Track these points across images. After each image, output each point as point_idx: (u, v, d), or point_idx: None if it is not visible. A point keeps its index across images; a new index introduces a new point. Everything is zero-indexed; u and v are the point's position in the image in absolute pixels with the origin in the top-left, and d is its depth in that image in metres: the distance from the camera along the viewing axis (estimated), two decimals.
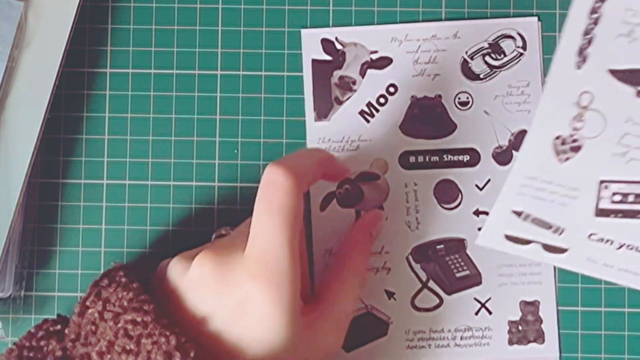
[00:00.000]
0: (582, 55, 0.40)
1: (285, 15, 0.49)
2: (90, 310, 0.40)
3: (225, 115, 0.49)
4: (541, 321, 0.48)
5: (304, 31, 0.48)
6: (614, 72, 0.41)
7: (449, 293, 0.48)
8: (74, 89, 0.49)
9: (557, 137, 0.43)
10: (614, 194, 0.44)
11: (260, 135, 0.49)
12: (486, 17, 0.46)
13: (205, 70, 0.49)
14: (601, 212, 0.44)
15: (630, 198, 0.44)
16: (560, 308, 0.48)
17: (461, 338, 0.48)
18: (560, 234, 0.44)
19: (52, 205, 0.49)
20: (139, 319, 0.38)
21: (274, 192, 0.37)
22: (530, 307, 0.48)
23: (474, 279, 0.48)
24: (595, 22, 0.40)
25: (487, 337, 0.48)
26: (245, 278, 0.38)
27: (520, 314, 0.48)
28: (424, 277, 0.48)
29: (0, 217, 0.46)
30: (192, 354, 0.37)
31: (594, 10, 0.40)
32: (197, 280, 0.39)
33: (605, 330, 0.48)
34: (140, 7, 0.49)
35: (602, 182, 0.44)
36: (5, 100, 0.47)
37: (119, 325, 0.39)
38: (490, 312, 0.48)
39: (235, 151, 0.48)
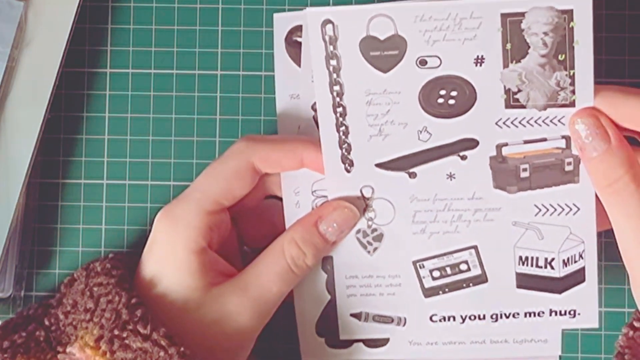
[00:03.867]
0: (346, 161, 0.42)
1: None
2: (76, 282, 0.43)
3: (225, 115, 0.49)
4: None
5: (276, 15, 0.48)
6: (381, 165, 0.43)
7: None
8: (74, 89, 0.49)
9: (358, 231, 0.44)
10: (431, 271, 0.45)
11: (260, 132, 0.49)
12: None
13: (205, 70, 0.49)
14: (429, 292, 0.45)
15: (448, 270, 0.45)
16: None
17: None
18: (404, 324, 0.45)
19: (52, 205, 0.49)
20: (104, 282, 0.41)
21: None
22: None
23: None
24: (345, 133, 0.42)
25: None
26: (157, 219, 0.42)
27: None
28: None
29: (0, 217, 0.46)
30: (138, 313, 0.39)
31: (340, 124, 0.42)
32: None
33: (605, 330, 0.48)
34: (140, 7, 0.49)
35: (415, 262, 0.45)
36: (5, 100, 0.47)
37: (87, 287, 0.42)
38: None
39: None
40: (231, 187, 0.42)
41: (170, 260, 0.41)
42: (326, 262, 0.44)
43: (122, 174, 0.49)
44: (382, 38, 0.42)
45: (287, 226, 0.43)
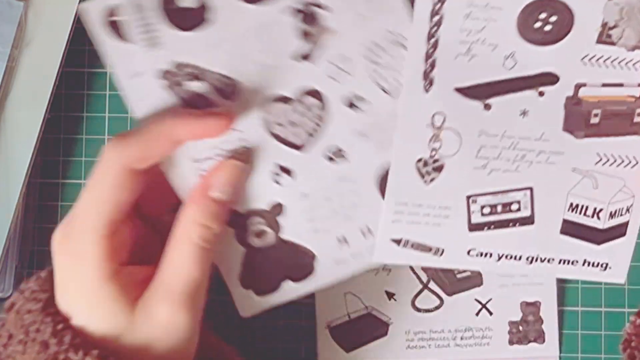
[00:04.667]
0: (427, 78, 0.42)
1: None
2: (15, 307, 0.41)
3: None
4: (542, 321, 0.48)
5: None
6: (460, 90, 0.42)
7: (449, 294, 0.48)
8: (74, 89, 0.49)
9: (419, 160, 0.44)
10: (482, 207, 0.45)
11: None
12: None
13: None
14: (474, 227, 0.45)
15: (499, 208, 0.45)
16: (560, 308, 0.48)
17: (461, 338, 0.48)
18: (441, 254, 0.45)
19: (52, 205, 0.49)
20: (32, 308, 0.40)
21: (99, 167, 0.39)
22: (531, 307, 0.48)
23: (475, 280, 0.48)
24: (435, 46, 0.41)
25: (488, 337, 0.48)
26: (55, 253, 0.40)
27: (521, 314, 0.48)
28: (424, 278, 0.48)
29: (0, 217, 0.46)
30: (66, 340, 0.38)
31: (430, 35, 0.41)
32: None
33: (605, 330, 0.48)
34: None
35: (469, 197, 0.45)
36: (5, 100, 0.47)
37: (19, 315, 0.40)
38: (490, 313, 0.48)
39: None
40: (119, 201, 0.39)
41: (84, 295, 0.39)
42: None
43: None
44: None
45: (181, 197, 0.42)
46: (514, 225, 0.45)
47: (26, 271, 0.49)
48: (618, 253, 0.45)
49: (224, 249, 0.42)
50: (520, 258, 0.45)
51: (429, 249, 0.45)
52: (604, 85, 0.43)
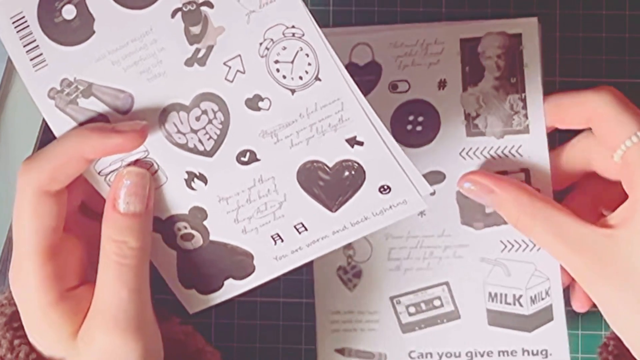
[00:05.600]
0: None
1: None
2: None
3: None
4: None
5: None
6: None
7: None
8: None
9: (339, 268, 0.46)
10: (407, 307, 0.46)
11: None
12: (486, 18, 0.46)
13: None
14: (407, 328, 0.47)
15: (423, 306, 0.46)
16: None
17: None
18: None
19: None
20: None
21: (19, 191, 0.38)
22: None
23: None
24: None
25: None
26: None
27: None
28: None
29: (0, 217, 0.46)
30: (21, 355, 0.38)
31: None
32: None
33: (605, 330, 0.48)
34: None
35: (392, 298, 0.46)
36: (5, 100, 0.47)
37: None
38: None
39: None
40: (43, 227, 0.38)
41: (28, 321, 0.39)
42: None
43: None
44: (361, 64, 0.44)
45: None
46: (442, 321, 0.47)
47: None
48: (553, 338, 0.46)
49: (157, 253, 0.42)
50: (459, 355, 0.47)
51: (372, 355, 0.47)
52: None
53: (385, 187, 0.40)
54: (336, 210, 0.41)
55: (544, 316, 0.46)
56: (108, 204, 0.39)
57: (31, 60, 0.38)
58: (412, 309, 0.46)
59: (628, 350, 0.41)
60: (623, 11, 0.48)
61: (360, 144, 0.39)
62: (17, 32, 0.38)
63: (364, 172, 0.40)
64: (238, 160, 0.40)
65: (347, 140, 0.39)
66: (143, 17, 0.38)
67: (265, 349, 0.49)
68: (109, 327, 0.37)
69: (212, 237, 0.41)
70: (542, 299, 0.46)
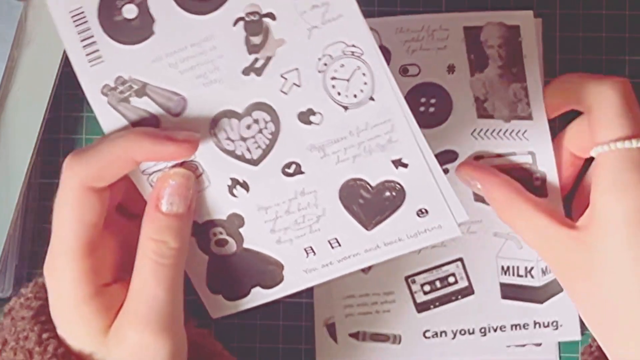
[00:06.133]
0: None
1: None
2: (12, 312, 0.41)
3: None
4: None
5: None
6: None
7: None
8: (74, 89, 0.49)
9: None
10: (422, 285, 0.47)
11: None
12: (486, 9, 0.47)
13: None
14: (422, 307, 0.47)
15: (438, 284, 0.47)
16: None
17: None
18: (399, 342, 0.47)
19: (52, 206, 0.49)
20: (25, 315, 0.40)
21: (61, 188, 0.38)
22: None
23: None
24: None
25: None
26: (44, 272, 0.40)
27: None
28: None
29: (0, 217, 0.46)
30: (50, 349, 0.38)
31: None
32: None
33: None
34: None
35: (407, 277, 0.47)
36: (5, 100, 0.47)
37: (13, 321, 0.40)
38: None
39: None
40: (85, 221, 0.38)
41: (61, 315, 0.39)
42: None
43: None
44: None
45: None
46: (456, 298, 0.47)
47: (26, 271, 0.49)
48: (564, 308, 0.47)
49: (189, 256, 0.41)
50: (473, 331, 0.47)
51: (387, 338, 0.47)
52: (498, 155, 0.45)
53: (423, 210, 0.40)
54: (372, 228, 0.41)
55: (555, 287, 0.47)
56: (150, 203, 0.39)
57: (87, 55, 0.39)
58: (427, 287, 0.47)
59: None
60: (623, 11, 0.49)
61: (405, 166, 0.39)
62: (76, 26, 0.38)
63: (405, 193, 0.40)
64: (283, 171, 0.40)
65: (392, 161, 0.39)
66: (204, 23, 0.38)
67: (265, 349, 0.49)
68: (141, 325, 0.38)
69: (245, 245, 0.41)
70: None
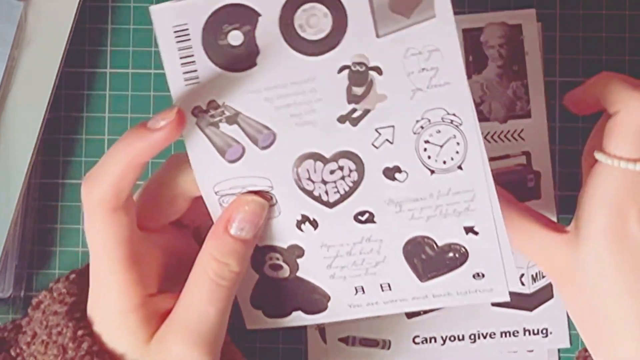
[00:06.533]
0: None
1: None
2: (42, 305, 0.42)
3: None
4: None
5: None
6: None
7: None
8: (74, 89, 0.49)
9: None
10: None
11: None
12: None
13: None
14: (412, 312, 0.47)
15: None
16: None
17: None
18: (389, 347, 0.47)
19: (52, 205, 0.49)
20: (58, 310, 0.40)
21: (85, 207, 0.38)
22: None
23: None
24: None
25: None
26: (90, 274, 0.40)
27: None
28: None
29: (0, 217, 0.46)
30: (84, 346, 0.38)
31: None
32: None
33: None
34: (140, 7, 0.49)
35: None
36: (5, 100, 0.47)
37: (45, 315, 0.40)
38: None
39: None
40: (119, 238, 0.38)
41: (106, 321, 0.39)
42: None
43: None
44: None
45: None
46: None
47: (26, 271, 0.49)
48: (554, 316, 0.47)
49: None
50: (463, 337, 0.47)
51: (377, 343, 0.47)
52: (491, 159, 0.44)
53: (481, 274, 0.40)
54: (425, 281, 0.41)
55: (545, 294, 0.47)
56: (220, 224, 0.39)
57: (184, 73, 0.38)
58: None
59: None
60: (623, 11, 0.48)
61: (476, 233, 0.40)
62: (177, 42, 0.37)
63: (467, 257, 0.40)
64: (355, 217, 0.40)
65: (465, 228, 0.39)
66: (309, 64, 0.37)
67: (265, 349, 0.49)
68: (189, 341, 0.38)
69: (299, 274, 0.41)
70: (543, 276, 0.47)
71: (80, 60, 0.49)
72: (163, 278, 0.40)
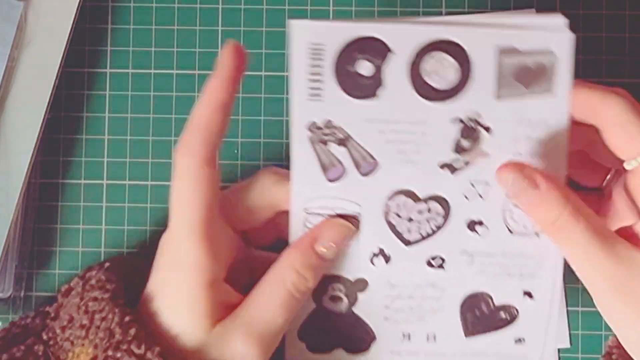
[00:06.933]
0: None
1: (285, 15, 0.49)
2: (72, 292, 0.42)
3: None
4: None
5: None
6: None
7: None
8: (74, 89, 0.49)
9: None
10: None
11: (260, 135, 0.49)
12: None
13: (205, 70, 0.49)
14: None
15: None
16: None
17: None
18: None
19: (52, 205, 0.49)
20: (99, 296, 0.40)
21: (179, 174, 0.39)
22: None
23: None
24: None
25: None
26: (160, 249, 0.41)
27: None
28: None
29: (0, 217, 0.46)
30: (132, 332, 0.38)
31: None
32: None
33: (605, 330, 0.48)
34: (140, 7, 0.49)
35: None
36: (5, 100, 0.47)
37: (83, 301, 0.41)
38: None
39: (235, 151, 0.49)
40: (204, 198, 0.39)
41: (174, 295, 0.39)
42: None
43: (122, 174, 0.49)
44: None
45: (290, 239, 0.41)
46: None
47: (26, 271, 0.49)
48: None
49: None
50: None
51: None
52: None
53: (522, 339, 0.42)
54: (470, 336, 0.42)
55: None
56: (307, 239, 0.40)
57: (309, 89, 0.39)
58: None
59: None
60: (623, 11, 0.49)
61: (532, 298, 0.41)
62: (310, 59, 0.39)
63: (516, 320, 0.41)
64: (427, 260, 0.41)
65: (524, 291, 0.41)
66: (426, 108, 0.39)
67: None
68: (251, 342, 0.39)
69: (354, 309, 0.42)
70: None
71: (80, 60, 0.49)
72: (228, 269, 0.41)
